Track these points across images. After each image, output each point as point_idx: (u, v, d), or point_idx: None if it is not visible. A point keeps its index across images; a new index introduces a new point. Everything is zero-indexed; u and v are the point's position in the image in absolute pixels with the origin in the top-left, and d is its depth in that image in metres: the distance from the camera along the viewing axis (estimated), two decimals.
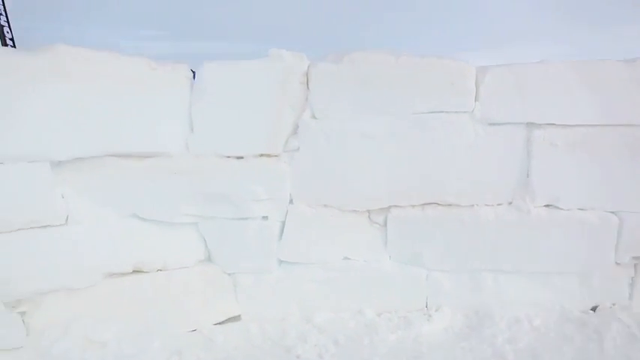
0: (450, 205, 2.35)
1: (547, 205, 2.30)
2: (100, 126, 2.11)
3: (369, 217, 2.43)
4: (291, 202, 2.37)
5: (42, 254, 2.08)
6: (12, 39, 14.73)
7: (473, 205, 2.33)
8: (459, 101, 2.20)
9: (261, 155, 2.32)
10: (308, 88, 2.28)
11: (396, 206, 2.37)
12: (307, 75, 2.27)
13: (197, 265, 2.43)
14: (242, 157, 2.31)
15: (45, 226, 2.08)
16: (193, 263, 2.42)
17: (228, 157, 2.31)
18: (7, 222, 2.00)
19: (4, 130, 1.93)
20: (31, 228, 2.06)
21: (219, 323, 2.42)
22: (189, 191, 2.28)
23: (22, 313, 2.09)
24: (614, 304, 2.40)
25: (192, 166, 2.27)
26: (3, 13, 14.22)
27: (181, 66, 2.28)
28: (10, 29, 14.47)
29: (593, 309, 2.40)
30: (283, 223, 2.39)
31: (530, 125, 2.24)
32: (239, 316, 2.46)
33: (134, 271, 2.30)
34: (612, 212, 2.31)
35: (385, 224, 2.42)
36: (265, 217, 2.37)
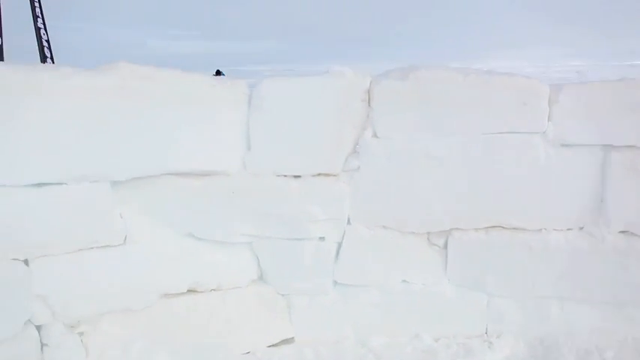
0: (515, 228, 2.24)
1: (623, 232, 2.17)
2: (159, 145, 2.07)
3: (427, 238, 2.35)
4: (348, 222, 2.30)
5: (101, 275, 2.06)
6: (47, 40, 15.01)
7: (541, 230, 2.22)
8: (530, 121, 2.10)
9: (320, 175, 2.25)
10: (369, 105, 2.20)
11: (458, 229, 2.28)
12: (369, 92, 2.19)
13: (250, 285, 2.38)
14: (299, 177, 2.25)
15: (104, 247, 2.06)
16: (247, 283, 2.37)
17: (286, 176, 2.25)
18: (69, 242, 1.98)
19: (67, 150, 1.91)
20: (90, 248, 2.04)
21: (273, 345, 2.36)
22: (246, 210, 2.23)
23: (81, 334, 2.08)
24: None
25: (249, 185, 2.22)
26: (40, 15, 14.48)
27: (239, 82, 2.23)
28: (47, 31, 14.72)
29: None
30: (340, 244, 2.32)
31: (606, 147, 2.11)
32: (293, 338, 2.40)
33: (189, 291, 2.26)
34: None
35: (445, 247, 2.33)
36: (322, 238, 2.30)
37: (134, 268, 2.12)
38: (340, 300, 2.37)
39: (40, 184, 1.89)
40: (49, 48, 15.21)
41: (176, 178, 2.16)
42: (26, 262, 1.92)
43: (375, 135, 2.20)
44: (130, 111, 2.00)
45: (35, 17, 14.95)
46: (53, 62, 15.28)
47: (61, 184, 1.93)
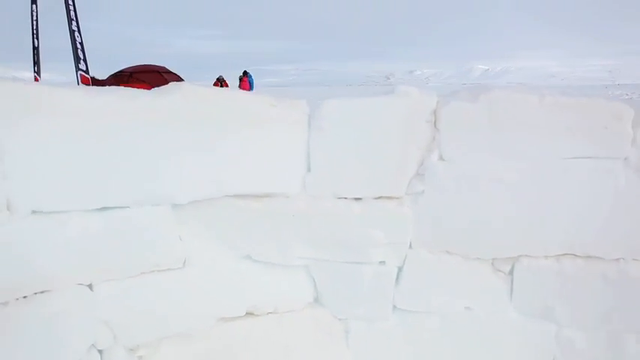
0: (590, 257, 2.12)
1: None
2: (220, 166, 2.03)
3: (492, 264, 2.24)
4: (410, 246, 2.21)
5: (161, 299, 2.03)
6: (81, 43, 15.28)
7: (619, 260, 2.09)
8: (611, 146, 1.97)
9: (382, 197, 2.17)
10: (435, 127, 2.11)
11: (526, 255, 2.17)
12: (435, 113, 2.10)
13: (306, 308, 2.32)
14: (360, 199, 2.18)
15: (165, 270, 2.03)
16: (302, 306, 2.32)
17: (347, 198, 2.18)
18: (131, 266, 1.96)
19: (130, 173, 1.88)
20: (151, 272, 2.01)
21: None
22: (305, 233, 2.17)
23: (140, 358, 2.06)
24: None
25: (308, 208, 2.16)
26: (74, 18, 14.76)
27: (299, 102, 2.17)
28: (80, 34, 15.01)
29: None
30: (401, 269, 2.24)
31: None
32: None
33: (246, 314, 2.22)
34: None
35: (511, 273, 2.22)
36: (382, 262, 2.22)
37: (193, 292, 2.09)
38: (400, 326, 2.29)
39: (103, 209, 1.87)
40: (83, 50, 15.57)
41: (235, 199, 2.11)
42: (90, 286, 1.91)
43: (441, 158, 2.10)
44: (192, 133, 1.96)
45: (70, 20, 15.28)
46: (86, 63, 15.62)
47: (123, 207, 1.91)
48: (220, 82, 20.64)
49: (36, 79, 16.96)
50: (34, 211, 1.75)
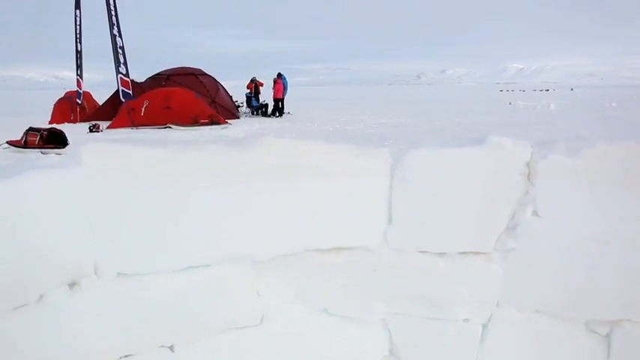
0: None
1: None
2: (302, 221, 1.95)
3: (586, 324, 2.09)
4: (497, 304, 2.08)
5: (239, 357, 1.97)
6: (122, 47, 15.67)
7: None
8: None
9: (468, 252, 2.05)
10: (529, 180, 1.97)
11: (628, 320, 2.01)
12: (529, 166, 1.96)
13: None
14: (444, 254, 2.06)
15: (243, 327, 1.97)
16: (378, 359, 2.22)
17: (430, 252, 2.06)
18: (211, 326, 1.91)
19: (213, 232, 1.82)
20: (229, 329, 1.96)
21: None
22: (385, 287, 2.08)
23: None
24: None
25: (390, 262, 2.06)
26: (115, 23, 15.11)
27: (382, 151, 2.06)
28: (122, 38, 15.33)
29: None
30: (486, 327, 2.11)
31: None
32: None
33: None
34: None
35: (608, 336, 2.06)
36: (466, 320, 2.10)
37: (271, 349, 2.02)
38: None
39: (187, 268, 1.82)
40: (123, 54, 15.91)
41: (315, 253, 2.03)
42: (172, 348, 1.86)
43: (535, 213, 1.96)
44: (274, 188, 1.89)
45: (111, 25, 15.64)
46: (126, 67, 15.94)
47: (206, 266, 1.85)
48: (254, 83, 20.77)
49: (79, 83, 17.43)
50: (119, 274, 1.71)
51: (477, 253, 2.05)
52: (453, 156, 2.00)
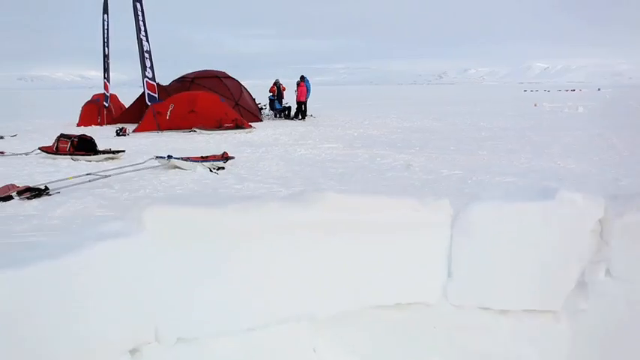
0: None
1: None
2: (361, 278, 1.89)
3: None
4: None
5: None
6: (149, 51, 15.65)
7: None
8: None
9: (534, 311, 1.95)
10: (602, 238, 1.87)
11: None
12: (602, 223, 1.86)
13: None
14: (507, 311, 1.97)
15: None
16: None
17: (492, 309, 1.98)
18: None
19: (272, 293, 1.77)
20: None
21: None
22: (445, 345, 1.99)
23: None
24: None
25: (450, 318, 1.98)
26: (142, 28, 15.13)
27: (443, 203, 1.98)
28: (148, 42, 15.37)
29: None
30: None
31: None
32: None
33: None
34: None
35: None
36: None
37: None
38: None
39: (247, 330, 1.77)
40: (150, 58, 16.05)
41: (373, 310, 1.96)
42: None
43: (609, 273, 1.86)
44: (335, 244, 1.83)
45: (138, 29, 15.79)
46: (153, 71, 16.08)
47: (266, 326, 1.80)
48: (277, 87, 20.77)
49: (106, 86, 17.67)
50: (179, 339, 1.67)
51: (542, 311, 1.95)
52: (519, 211, 1.90)
